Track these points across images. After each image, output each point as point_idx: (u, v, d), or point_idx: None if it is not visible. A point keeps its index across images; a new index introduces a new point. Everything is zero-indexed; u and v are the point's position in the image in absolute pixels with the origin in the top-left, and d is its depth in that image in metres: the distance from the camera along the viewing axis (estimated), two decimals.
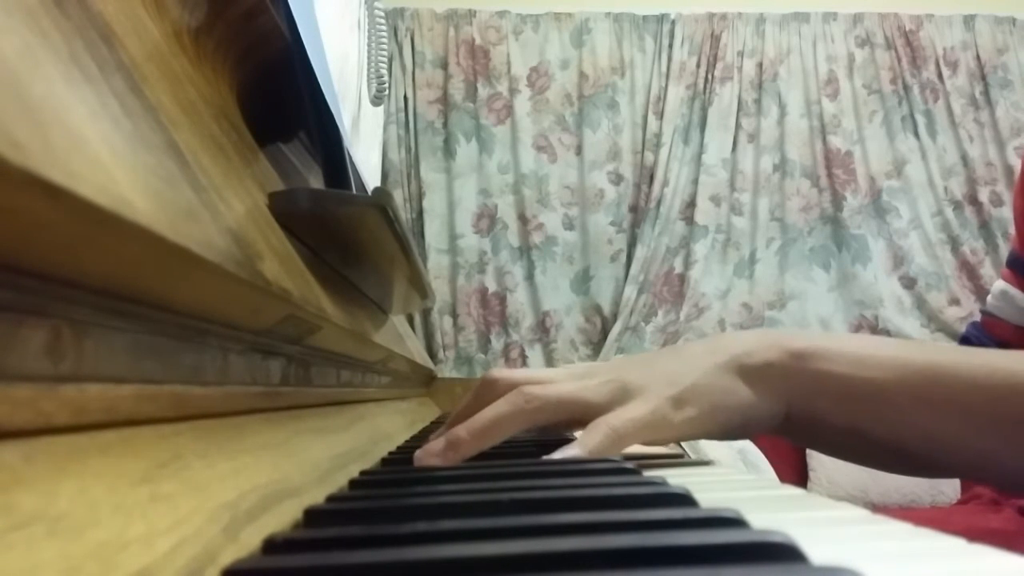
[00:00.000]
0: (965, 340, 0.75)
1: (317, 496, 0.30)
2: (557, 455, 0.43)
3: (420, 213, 2.70)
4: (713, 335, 0.50)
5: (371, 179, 1.62)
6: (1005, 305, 0.71)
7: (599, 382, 0.47)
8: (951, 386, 0.43)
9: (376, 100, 1.43)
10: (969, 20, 2.87)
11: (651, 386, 0.46)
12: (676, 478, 0.31)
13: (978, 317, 0.77)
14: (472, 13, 2.75)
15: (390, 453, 0.52)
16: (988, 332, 0.72)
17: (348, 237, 0.46)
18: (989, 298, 0.74)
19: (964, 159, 2.81)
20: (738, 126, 2.79)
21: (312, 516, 0.26)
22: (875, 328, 2.75)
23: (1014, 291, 0.70)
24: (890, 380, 0.44)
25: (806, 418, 0.47)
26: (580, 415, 0.46)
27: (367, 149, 1.68)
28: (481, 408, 0.45)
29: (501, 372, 0.49)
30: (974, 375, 0.43)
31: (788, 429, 0.48)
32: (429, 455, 0.44)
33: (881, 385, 0.44)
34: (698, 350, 0.48)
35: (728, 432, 0.47)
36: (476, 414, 0.45)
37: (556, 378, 0.47)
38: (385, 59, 1.41)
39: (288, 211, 0.38)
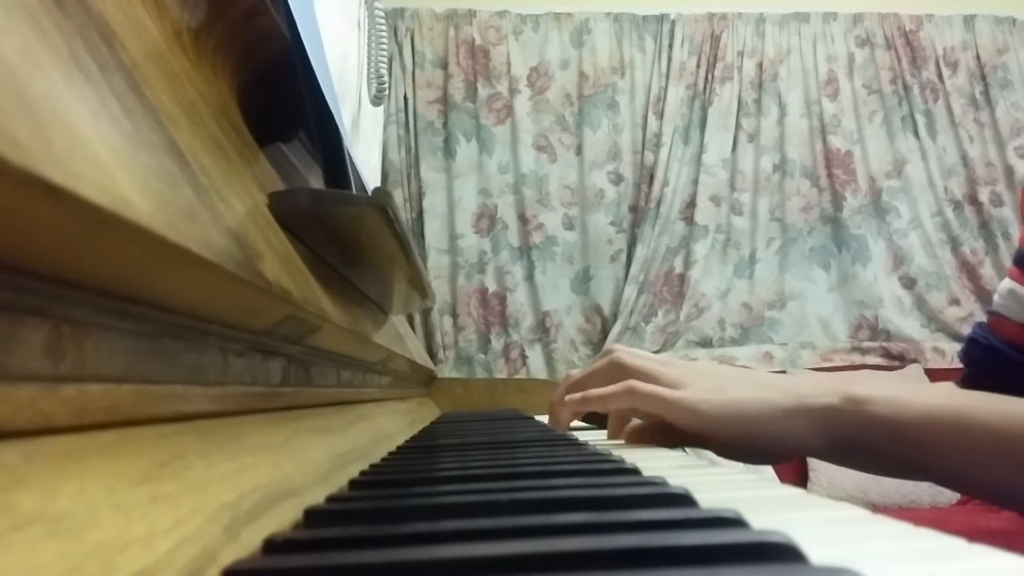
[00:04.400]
0: (972, 341, 0.74)
1: (317, 496, 0.30)
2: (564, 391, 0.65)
3: (420, 213, 2.70)
4: (782, 376, 0.64)
5: (371, 179, 1.62)
6: (1013, 304, 0.70)
7: (675, 371, 0.59)
8: (978, 433, 0.48)
9: (376, 100, 1.43)
10: (969, 20, 2.87)
11: (703, 382, 0.57)
12: (676, 478, 0.31)
13: (979, 317, 0.77)
14: (472, 13, 2.75)
15: (390, 453, 0.52)
16: (995, 332, 0.72)
17: (348, 237, 0.46)
18: (996, 297, 0.73)
19: (964, 159, 2.81)
20: (738, 126, 2.79)
21: (312, 516, 0.26)
22: (875, 328, 2.75)
23: (1023, 290, 0.70)
24: (923, 424, 0.50)
25: (846, 449, 0.54)
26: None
27: (367, 149, 1.68)
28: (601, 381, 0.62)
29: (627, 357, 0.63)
30: (998, 422, 0.48)
31: (821, 456, 0.55)
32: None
33: (916, 428, 0.51)
34: (765, 378, 0.58)
35: (751, 441, 0.55)
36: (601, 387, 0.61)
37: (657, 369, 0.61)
38: (385, 59, 1.41)
39: (288, 211, 0.38)
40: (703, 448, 0.61)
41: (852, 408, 0.53)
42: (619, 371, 0.61)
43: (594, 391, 0.61)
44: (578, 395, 0.63)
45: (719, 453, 0.60)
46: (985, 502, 0.59)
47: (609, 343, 2.66)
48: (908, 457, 0.52)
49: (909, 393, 0.53)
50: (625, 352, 0.63)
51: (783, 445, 0.55)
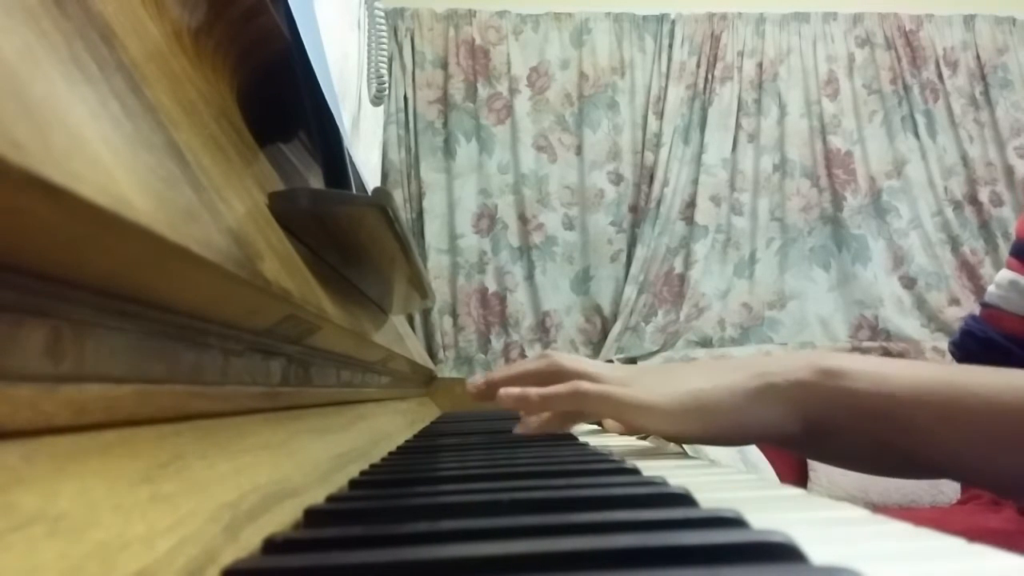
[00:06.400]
0: (967, 334, 0.73)
1: (317, 496, 0.30)
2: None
3: (420, 213, 2.70)
4: (741, 359, 0.56)
5: (371, 179, 1.62)
6: (1015, 296, 0.69)
7: (618, 372, 0.55)
8: (974, 406, 0.43)
9: (376, 100, 1.43)
10: (969, 20, 2.87)
11: (652, 378, 0.53)
12: (676, 478, 0.31)
13: (975, 311, 0.76)
14: (472, 13, 2.75)
15: (390, 453, 0.52)
16: (993, 325, 0.71)
17: (348, 237, 0.46)
18: (992, 288, 0.72)
19: (964, 159, 2.81)
20: (738, 126, 2.78)
21: (312, 516, 0.26)
22: (875, 328, 2.75)
23: None
24: (911, 398, 0.45)
25: (822, 431, 0.48)
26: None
27: (367, 149, 1.68)
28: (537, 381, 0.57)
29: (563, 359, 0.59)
30: (998, 395, 0.43)
31: (798, 442, 0.50)
32: (508, 397, 0.57)
33: (901, 402, 0.45)
34: (729, 364, 0.52)
35: (716, 432, 0.50)
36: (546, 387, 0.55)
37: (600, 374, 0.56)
38: (385, 59, 1.41)
39: (288, 211, 0.38)
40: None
41: (827, 383, 0.47)
42: (557, 373, 0.57)
43: (535, 390, 0.55)
44: (516, 390, 0.56)
45: (687, 443, 0.55)
46: (971, 485, 0.54)
47: (609, 343, 2.66)
48: (892, 437, 0.46)
49: (891, 365, 0.47)
50: (563, 355, 0.59)
51: (754, 431, 0.50)
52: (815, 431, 0.48)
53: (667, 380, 0.52)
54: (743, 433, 0.50)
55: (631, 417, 0.52)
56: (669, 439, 0.55)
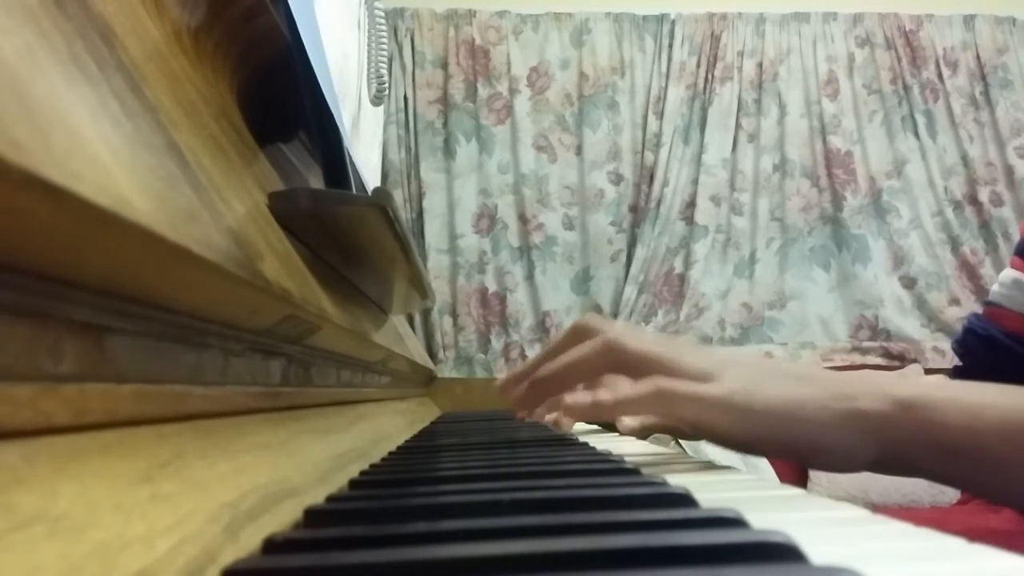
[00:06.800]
0: (969, 332, 0.74)
1: (317, 496, 0.30)
2: (569, 398, 0.46)
3: (420, 213, 2.70)
4: (805, 365, 0.48)
5: (371, 179, 1.62)
6: (1018, 294, 0.70)
7: (695, 359, 0.47)
8: None
9: (376, 100, 1.43)
10: (969, 20, 2.87)
11: (734, 373, 0.46)
12: (676, 478, 0.31)
13: (977, 311, 0.76)
14: (472, 13, 2.75)
15: (390, 453, 0.52)
16: (994, 323, 0.71)
17: (348, 237, 0.46)
18: (996, 287, 0.73)
19: (964, 159, 2.81)
20: (738, 126, 2.78)
21: (312, 516, 0.27)
22: (875, 328, 2.75)
23: None
24: (1002, 437, 0.42)
25: (900, 464, 0.45)
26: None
27: (367, 149, 1.68)
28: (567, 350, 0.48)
29: (595, 320, 0.51)
30: None
31: (865, 467, 0.46)
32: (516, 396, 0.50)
33: (991, 442, 0.42)
34: (798, 371, 0.47)
35: (796, 447, 0.45)
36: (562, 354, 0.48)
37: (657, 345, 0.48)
38: (385, 59, 1.41)
39: (288, 211, 0.38)
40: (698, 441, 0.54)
41: (908, 417, 0.43)
42: (622, 359, 0.47)
43: (611, 397, 0.45)
44: (586, 402, 0.46)
45: (742, 450, 0.49)
46: None
47: None
48: (981, 478, 0.43)
49: (971, 394, 0.44)
50: (622, 334, 0.48)
51: (827, 454, 0.45)
52: (889, 462, 0.45)
53: (752, 378, 0.46)
54: (816, 453, 0.45)
55: (718, 419, 0.45)
56: (739, 445, 0.48)
